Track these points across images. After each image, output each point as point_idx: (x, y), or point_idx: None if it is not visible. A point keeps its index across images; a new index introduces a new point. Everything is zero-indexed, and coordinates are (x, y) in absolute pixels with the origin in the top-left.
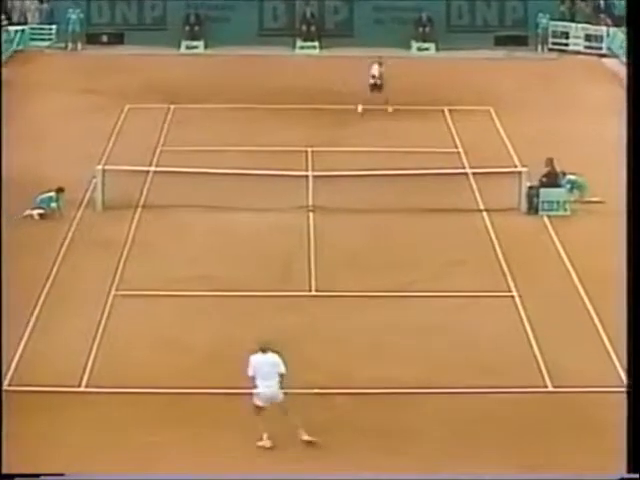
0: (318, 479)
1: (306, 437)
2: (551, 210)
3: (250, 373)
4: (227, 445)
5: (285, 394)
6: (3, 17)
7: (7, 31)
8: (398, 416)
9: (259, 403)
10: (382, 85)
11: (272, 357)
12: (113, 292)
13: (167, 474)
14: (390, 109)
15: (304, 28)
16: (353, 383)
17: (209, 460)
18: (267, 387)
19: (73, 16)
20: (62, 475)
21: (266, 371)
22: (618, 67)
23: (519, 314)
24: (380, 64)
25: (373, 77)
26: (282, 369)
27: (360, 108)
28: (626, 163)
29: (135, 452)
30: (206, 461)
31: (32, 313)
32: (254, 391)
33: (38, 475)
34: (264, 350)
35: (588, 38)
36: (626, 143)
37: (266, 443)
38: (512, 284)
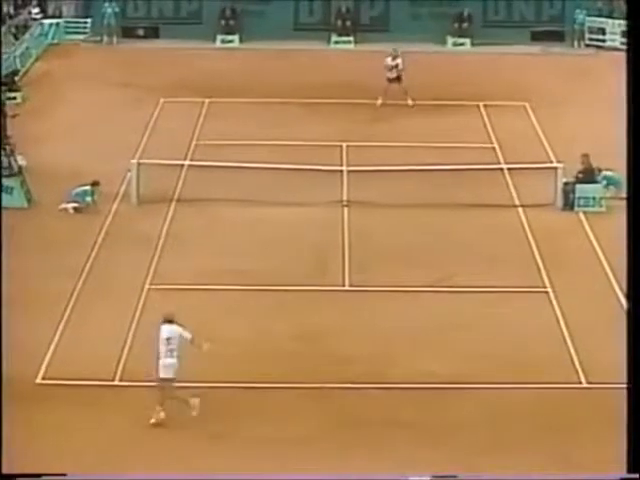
0: (319, 479)
1: (160, 416)
2: (587, 206)
3: (162, 348)
4: (253, 441)
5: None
6: (38, 10)
7: (42, 24)
8: (433, 410)
9: (163, 376)
10: (401, 77)
11: (177, 328)
12: (147, 286)
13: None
14: (410, 102)
15: (339, 23)
16: (389, 378)
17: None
18: (167, 358)
19: (109, 10)
20: (64, 475)
21: (166, 338)
22: None
23: (554, 310)
24: (395, 57)
25: (391, 69)
26: (188, 335)
27: (379, 101)
28: (626, 162)
29: (161, 446)
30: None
31: (67, 307)
32: (158, 362)
33: (40, 475)
34: (170, 321)
35: (625, 34)
36: (626, 142)
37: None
38: (547, 280)
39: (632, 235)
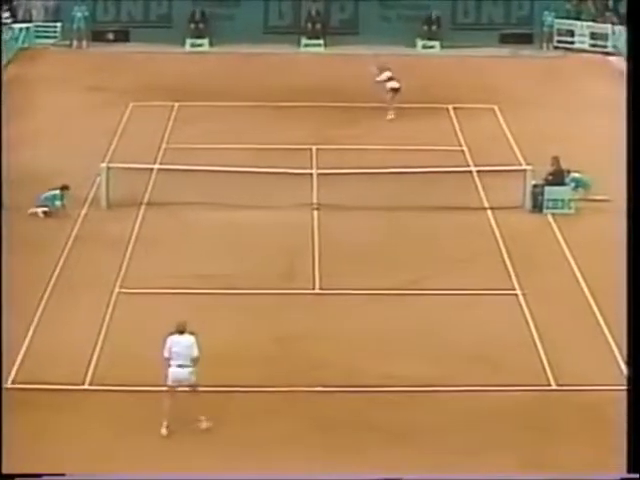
0: (318, 479)
1: (205, 425)
2: (556, 208)
3: (165, 355)
4: (228, 444)
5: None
6: (8, 15)
7: (12, 29)
8: (405, 413)
9: (171, 384)
10: (399, 88)
11: (188, 338)
12: (117, 290)
13: (168, 474)
14: (390, 116)
15: (309, 26)
16: (360, 381)
17: (207, 459)
18: (178, 368)
19: (78, 14)
20: (63, 475)
21: (177, 351)
22: (624, 65)
23: (523, 312)
24: (384, 68)
25: (389, 79)
26: (195, 352)
27: (390, 115)
28: (626, 162)
29: (137, 450)
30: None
31: (36, 311)
32: (168, 370)
33: (40, 475)
34: (181, 331)
35: (593, 36)
36: (626, 142)
37: (164, 431)
38: (516, 282)
39: (632, 236)
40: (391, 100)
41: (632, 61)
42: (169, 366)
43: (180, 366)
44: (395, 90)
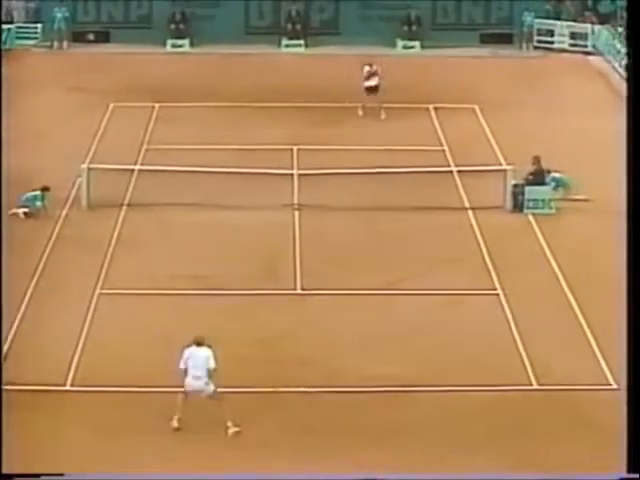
0: (318, 479)
1: (233, 429)
2: (536, 208)
3: (181, 366)
4: (209, 445)
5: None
6: None
7: None
8: (386, 413)
9: (188, 389)
10: (378, 87)
11: (205, 351)
12: (98, 291)
13: (168, 474)
14: (383, 116)
15: (290, 26)
16: (342, 381)
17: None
18: (194, 379)
19: (59, 14)
20: (62, 475)
21: (194, 364)
22: (603, 65)
23: (504, 312)
24: (371, 64)
25: (368, 77)
26: (212, 364)
27: (360, 112)
28: (626, 162)
29: (117, 451)
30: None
31: (17, 312)
32: (185, 380)
33: (39, 475)
34: (199, 344)
35: (573, 36)
36: (626, 143)
37: (174, 423)
38: (497, 282)
39: (632, 237)
40: (367, 99)
41: (632, 61)
42: (185, 377)
43: (196, 378)
44: (369, 89)
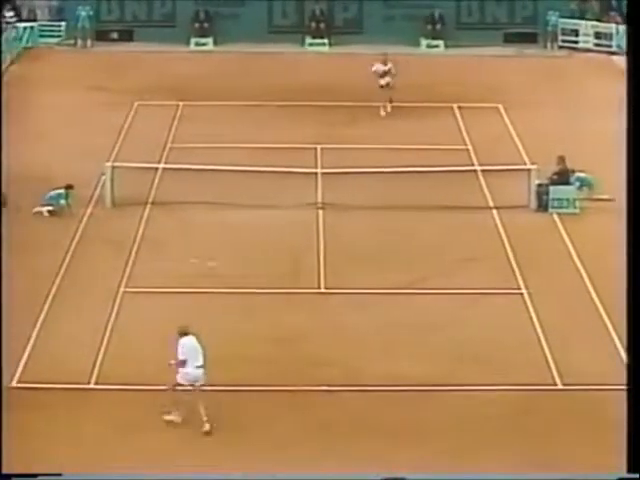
0: (318, 479)
1: (207, 426)
2: (560, 208)
3: (181, 357)
4: (228, 443)
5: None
6: (12, 14)
7: (16, 28)
8: (408, 413)
9: (183, 382)
10: (390, 84)
11: (193, 339)
12: (122, 289)
13: (170, 473)
14: (383, 113)
15: (313, 25)
16: (363, 380)
17: (210, 458)
18: (196, 368)
19: (82, 13)
20: (59, 475)
21: (193, 354)
22: None
23: (528, 311)
24: (385, 62)
25: (382, 75)
26: (200, 350)
27: (382, 111)
28: (626, 162)
29: (142, 449)
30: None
31: (41, 310)
32: (183, 371)
33: (35, 475)
34: (186, 333)
35: (598, 36)
36: (626, 142)
37: (176, 418)
38: (521, 281)
39: (632, 236)
40: (382, 95)
41: (632, 61)
42: (184, 367)
43: (197, 367)
44: (382, 87)
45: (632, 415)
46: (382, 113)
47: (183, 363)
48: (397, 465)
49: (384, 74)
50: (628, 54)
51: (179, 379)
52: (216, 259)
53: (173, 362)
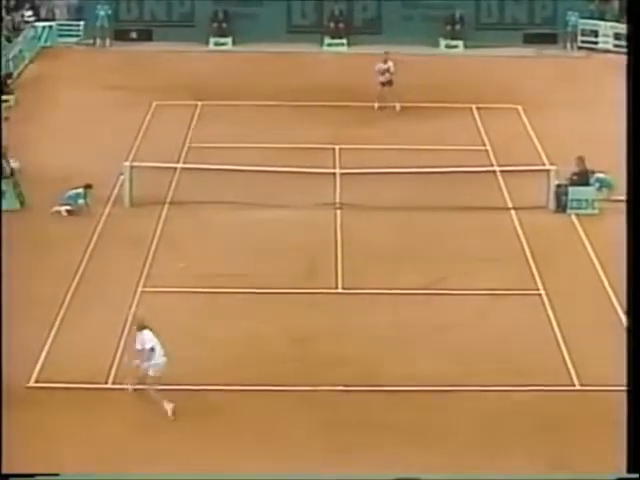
0: (318, 479)
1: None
2: (580, 208)
3: (148, 345)
4: (243, 443)
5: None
6: (31, 13)
7: (34, 27)
8: (427, 413)
9: (155, 374)
10: (392, 81)
11: (151, 333)
12: (140, 289)
13: (170, 473)
14: (398, 107)
15: (332, 25)
16: (381, 380)
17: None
18: (162, 356)
19: (101, 12)
20: (57, 475)
21: (156, 343)
22: None
23: (547, 312)
24: (386, 60)
25: (383, 73)
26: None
27: (376, 105)
28: (626, 162)
29: (155, 449)
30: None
31: (59, 309)
32: (152, 362)
33: (33, 475)
34: (145, 327)
35: (617, 36)
36: (626, 142)
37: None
38: (540, 282)
39: (632, 236)
40: (380, 91)
41: (632, 62)
42: (153, 358)
43: (163, 355)
44: (383, 84)
45: (632, 415)
46: (397, 108)
47: (152, 350)
48: (413, 465)
49: (384, 72)
50: (628, 55)
51: (151, 372)
52: (234, 258)
53: (138, 362)
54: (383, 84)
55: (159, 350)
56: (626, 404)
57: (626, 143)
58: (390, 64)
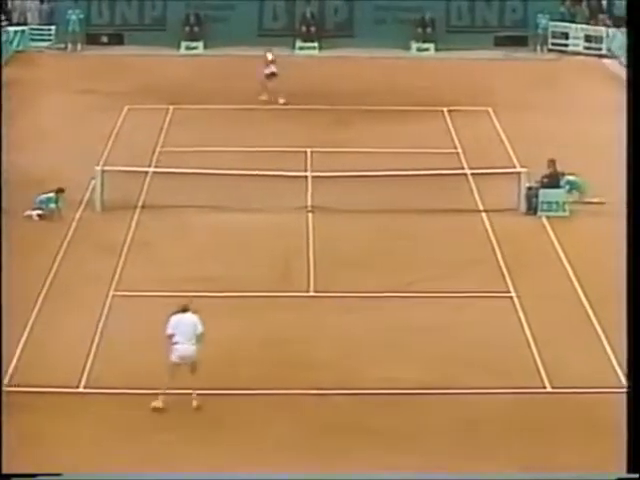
0: (318, 479)
1: (195, 404)
2: (550, 211)
3: (169, 331)
4: (222, 447)
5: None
6: (3, 17)
7: (7, 32)
8: (399, 416)
9: (176, 360)
10: (276, 73)
11: (191, 317)
12: (112, 293)
13: (171, 473)
14: (282, 100)
15: (304, 28)
16: (354, 383)
17: (204, 461)
18: (183, 344)
19: (73, 17)
20: (59, 475)
21: (184, 330)
22: (618, 68)
23: (518, 315)
24: (271, 52)
25: (268, 65)
26: (199, 329)
27: (264, 96)
28: (626, 163)
29: (131, 452)
30: (201, 463)
31: (31, 314)
32: (173, 347)
33: (35, 475)
34: (184, 310)
35: (588, 39)
36: (626, 144)
37: (159, 404)
38: (511, 285)
39: (632, 236)
40: (266, 82)
41: (632, 63)
42: (174, 343)
43: (185, 343)
44: (268, 75)
45: (632, 415)
46: (281, 101)
47: (170, 337)
48: (387, 468)
49: (270, 63)
50: (628, 55)
51: (171, 357)
52: (206, 262)
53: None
54: (268, 76)
55: (181, 337)
56: (626, 404)
57: (626, 146)
58: (274, 56)
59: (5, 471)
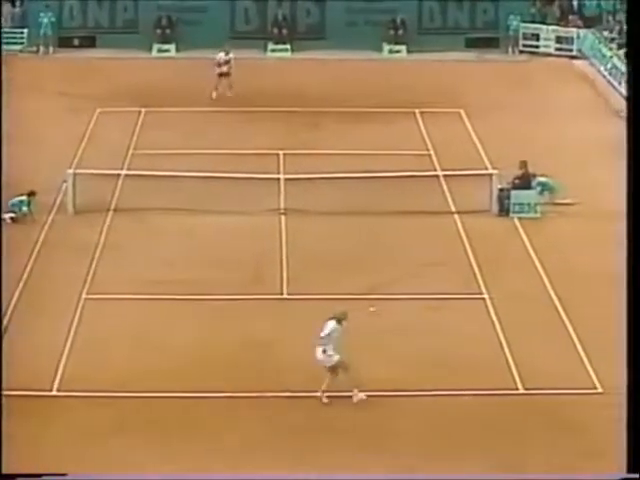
0: (318, 479)
1: (358, 397)
2: (522, 212)
3: (322, 334)
4: (195, 449)
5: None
6: None
7: None
8: (373, 417)
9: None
10: (230, 73)
11: (333, 325)
12: (84, 296)
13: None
14: (229, 94)
15: (276, 31)
16: (331, 386)
17: (178, 464)
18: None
19: (45, 20)
20: (64, 475)
21: (326, 336)
22: (588, 69)
23: (490, 316)
24: (227, 53)
25: (220, 65)
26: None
27: (214, 94)
28: (626, 165)
29: (103, 455)
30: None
31: (3, 317)
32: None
33: (40, 475)
34: (337, 319)
35: (559, 40)
36: (626, 146)
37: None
38: (483, 286)
39: (632, 238)
40: (218, 82)
41: (632, 64)
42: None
43: (318, 348)
44: (221, 75)
45: (632, 415)
46: (229, 94)
47: (321, 339)
48: (360, 469)
49: (224, 63)
50: (628, 56)
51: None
52: (178, 264)
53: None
54: (221, 75)
55: (323, 342)
56: (626, 404)
57: (626, 147)
58: (231, 56)
59: (5, 471)
